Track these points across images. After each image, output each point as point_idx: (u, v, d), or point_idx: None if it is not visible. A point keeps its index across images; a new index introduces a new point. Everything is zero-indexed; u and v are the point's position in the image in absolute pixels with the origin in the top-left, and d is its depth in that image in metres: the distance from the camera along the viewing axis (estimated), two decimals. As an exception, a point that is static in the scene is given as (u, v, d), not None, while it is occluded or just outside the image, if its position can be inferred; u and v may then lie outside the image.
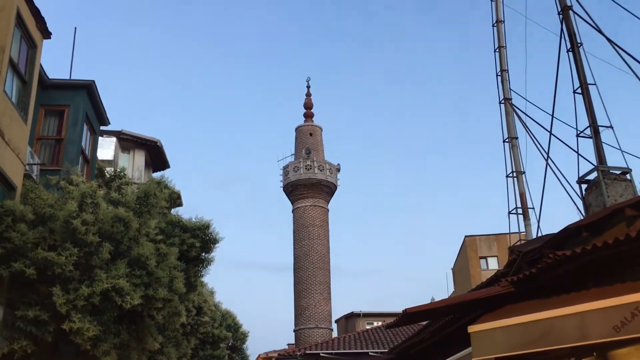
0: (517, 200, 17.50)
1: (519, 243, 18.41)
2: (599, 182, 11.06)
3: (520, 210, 17.34)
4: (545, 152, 14.33)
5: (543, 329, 5.58)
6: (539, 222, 16.69)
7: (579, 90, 12.62)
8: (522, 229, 17.24)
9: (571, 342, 5.33)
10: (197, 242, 14.24)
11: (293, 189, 38.65)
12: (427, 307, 6.86)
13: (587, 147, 12.39)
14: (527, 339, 5.77)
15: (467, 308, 7.20)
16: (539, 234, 14.92)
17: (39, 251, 9.22)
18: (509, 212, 17.70)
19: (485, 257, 43.74)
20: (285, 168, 40.32)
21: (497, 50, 16.85)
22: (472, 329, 6.25)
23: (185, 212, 14.54)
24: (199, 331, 22.08)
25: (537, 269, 6.00)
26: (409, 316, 6.66)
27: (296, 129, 42.44)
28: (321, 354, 24.13)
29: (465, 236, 44.56)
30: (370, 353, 22.84)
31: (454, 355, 8.06)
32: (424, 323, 12.93)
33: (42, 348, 9.67)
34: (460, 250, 45.54)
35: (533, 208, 17.62)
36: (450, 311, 7.52)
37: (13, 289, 9.68)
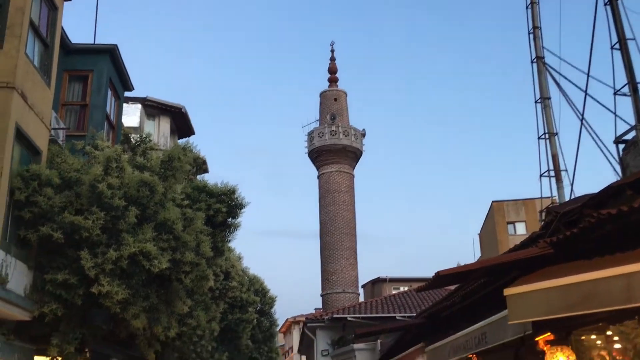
0: (549, 162, 17.02)
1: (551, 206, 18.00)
2: (639, 141, 10.61)
3: (552, 173, 16.90)
4: (579, 112, 13.83)
5: (586, 291, 5.32)
6: (572, 184, 16.20)
7: (617, 46, 12.05)
8: (555, 192, 16.83)
9: (616, 305, 5.07)
10: (223, 207, 14.20)
11: (318, 155, 38.41)
12: (459, 269, 6.63)
13: (624, 106, 11.92)
14: (568, 301, 5.52)
15: (502, 270, 6.95)
16: (572, 197, 14.51)
17: (65, 215, 9.20)
18: (541, 175, 17.26)
19: (513, 223, 43.24)
20: (310, 134, 40.02)
21: (530, 6, 16.19)
22: (508, 291, 6.02)
23: (211, 179, 14.61)
24: (227, 295, 22.30)
25: (579, 229, 5.71)
26: (441, 279, 6.44)
27: (320, 95, 41.94)
28: (348, 318, 24.18)
29: (493, 201, 44.02)
30: (397, 317, 22.79)
31: (486, 319, 7.84)
32: (453, 288, 12.74)
33: (72, 311, 9.73)
34: (487, 215, 45.06)
35: (566, 170, 17.10)
36: (484, 274, 7.28)
37: (42, 253, 9.72)
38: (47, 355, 9.94)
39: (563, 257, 6.39)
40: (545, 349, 7.53)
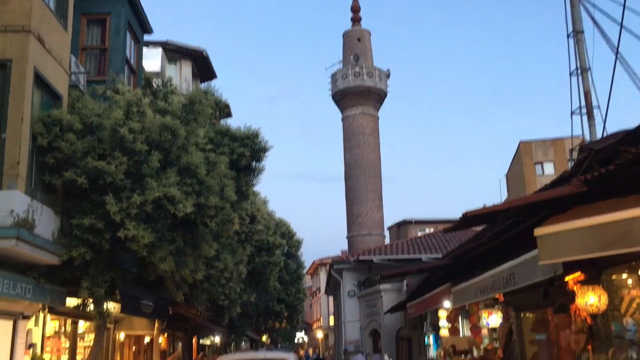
0: (581, 99, 16.43)
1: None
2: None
3: (584, 111, 16.34)
4: (614, 46, 13.18)
5: (621, 230, 5.11)
6: (604, 122, 15.65)
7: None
8: (586, 130, 16.32)
9: (654, 244, 4.85)
10: (247, 151, 14.13)
11: (342, 97, 37.85)
12: (488, 210, 6.44)
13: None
14: (602, 240, 5.32)
15: (532, 210, 6.73)
16: (604, 135, 14.04)
17: (89, 160, 9.18)
18: (572, 113, 16.70)
19: (540, 163, 42.56)
20: (333, 76, 39.34)
21: None
22: (539, 231, 5.82)
23: (234, 124, 14.50)
24: (253, 238, 22.56)
25: (615, 166, 5.43)
26: (469, 219, 6.26)
27: (343, 35, 40.94)
28: (374, 260, 24.37)
29: (521, 141, 43.26)
30: (423, 258, 22.86)
31: (515, 260, 7.69)
32: (480, 229, 12.57)
33: (100, 255, 9.86)
34: (514, 156, 44.39)
35: (598, 107, 16.48)
36: (513, 214, 7.07)
37: (67, 199, 9.79)
38: (78, 298, 10.15)
39: (597, 195, 6.14)
40: (575, 288, 7.40)
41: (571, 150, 19.04)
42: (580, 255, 5.54)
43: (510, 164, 45.10)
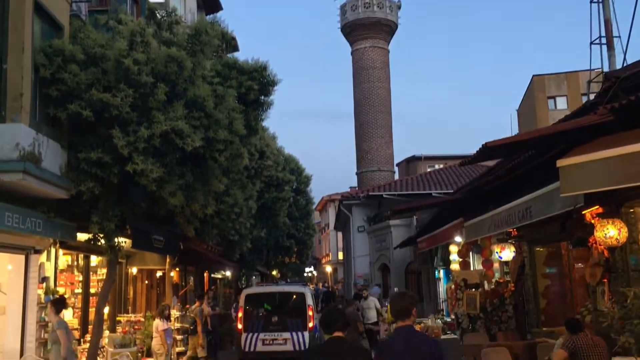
0: (601, 29, 15.80)
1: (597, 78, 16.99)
2: None
3: (604, 40, 15.75)
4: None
5: (651, 160, 4.87)
6: (625, 52, 15.11)
7: None
8: (606, 60, 15.78)
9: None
10: (255, 85, 13.78)
11: (351, 30, 36.82)
12: (509, 140, 6.19)
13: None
14: (629, 172, 5.09)
15: (554, 141, 6.48)
16: (624, 65, 13.57)
17: (93, 92, 8.92)
18: (591, 43, 16.11)
19: (553, 97, 41.84)
20: (342, 7, 38.15)
21: None
22: (562, 162, 5.59)
23: (241, 58, 14.01)
24: (263, 174, 22.47)
25: (647, 93, 5.14)
26: (489, 150, 6.03)
27: (353, -36, 39.46)
28: (384, 195, 24.32)
29: (533, 75, 42.37)
30: (433, 194, 22.77)
31: (532, 193, 7.50)
32: (492, 165, 12.35)
33: (109, 190, 9.75)
34: (527, 90, 43.58)
35: (619, 37, 15.86)
36: (535, 144, 6.82)
37: (73, 132, 9.60)
38: (88, 232, 10.13)
39: (623, 125, 5.87)
40: (594, 221, 7.24)
41: (589, 82, 18.51)
42: (604, 187, 5.33)
43: (523, 98, 44.33)
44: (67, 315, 11.53)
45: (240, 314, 14.48)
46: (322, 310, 14.35)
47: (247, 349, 13.90)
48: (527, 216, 7.65)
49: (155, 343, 12.06)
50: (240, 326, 14.31)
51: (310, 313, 14.15)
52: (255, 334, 13.91)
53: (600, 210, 7.18)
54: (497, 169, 9.99)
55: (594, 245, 7.42)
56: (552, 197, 6.67)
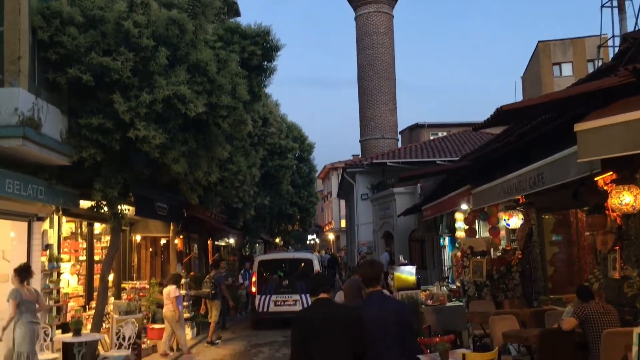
0: (612, -9, 15.44)
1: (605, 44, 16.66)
2: None
3: (615, 3, 15.37)
4: None
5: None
6: (638, 15, 14.78)
7: None
8: (617, 24, 15.43)
9: None
10: (258, 50, 13.51)
11: (355, -5, 36.06)
12: (525, 103, 5.99)
13: None
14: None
15: (571, 104, 6.26)
16: (636, 29, 13.25)
17: (93, 56, 8.68)
18: (602, 6, 15.75)
19: (559, 64, 41.33)
20: (346, -29, 37.26)
21: None
22: (579, 126, 5.39)
23: (243, 23, 13.69)
24: (266, 142, 22.29)
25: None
26: (504, 114, 5.83)
27: None
28: (388, 163, 24.16)
29: (539, 42, 41.74)
30: (437, 161, 22.60)
31: (545, 159, 7.31)
32: (499, 132, 12.13)
33: (111, 156, 9.59)
34: (532, 57, 43.01)
35: (631, 0, 15.52)
36: (551, 108, 6.60)
37: (73, 97, 9.39)
38: (91, 200, 10.01)
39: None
40: (607, 188, 7.08)
41: (599, 47, 18.22)
42: (624, 152, 5.14)
43: (528, 65, 43.77)
44: (72, 282, 11.53)
45: (254, 278, 16.26)
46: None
47: (260, 310, 15.73)
48: (538, 183, 7.47)
49: (167, 310, 12.23)
50: (254, 289, 16.18)
51: None
52: (268, 296, 15.66)
53: (615, 176, 7.02)
54: (506, 136, 9.78)
55: (606, 212, 7.28)
56: (566, 163, 6.48)
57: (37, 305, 8.44)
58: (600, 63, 16.54)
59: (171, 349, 12.63)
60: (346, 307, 5.69)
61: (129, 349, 9.89)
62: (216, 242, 25.60)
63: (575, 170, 6.36)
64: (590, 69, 35.33)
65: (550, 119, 7.56)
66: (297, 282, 15.55)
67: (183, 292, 13.89)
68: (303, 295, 15.14)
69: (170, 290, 12.24)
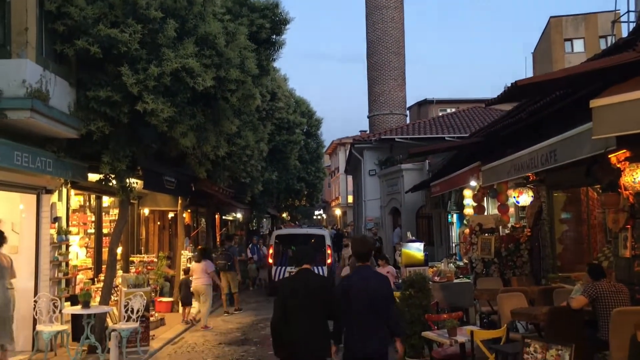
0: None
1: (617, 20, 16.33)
2: None
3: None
4: None
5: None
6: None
7: None
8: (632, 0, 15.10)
9: None
10: (267, 23, 13.38)
11: (365, -32, 35.47)
12: (541, 78, 5.86)
13: None
14: (669, 112, 4.80)
15: (588, 80, 6.13)
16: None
17: (100, 28, 8.56)
18: (618, -19, 15.40)
19: (570, 40, 40.77)
20: (355, -56, 36.58)
21: None
22: (595, 102, 5.28)
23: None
24: (274, 116, 22.19)
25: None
26: (519, 89, 5.71)
27: None
28: (396, 139, 24.02)
29: (551, 17, 41.15)
30: (446, 138, 22.44)
31: (557, 136, 7.21)
32: (510, 108, 11.98)
33: (120, 130, 9.53)
34: (543, 32, 42.44)
35: (648, -27, 15.18)
36: (568, 83, 6.47)
37: (81, 70, 9.30)
38: (100, 173, 9.99)
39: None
40: (620, 165, 6.99)
41: (613, 22, 17.88)
42: (640, 129, 5.04)
43: (539, 41, 43.21)
44: (81, 254, 11.60)
45: (271, 251, 17.69)
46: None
47: (276, 279, 16.93)
48: (551, 160, 7.38)
49: (201, 283, 12.67)
50: (271, 260, 17.60)
51: (328, 252, 17.22)
52: (283, 267, 16.98)
53: (628, 154, 6.91)
54: (518, 112, 9.65)
55: (619, 190, 7.19)
56: (580, 139, 6.39)
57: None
58: (613, 39, 16.27)
59: (187, 322, 12.92)
60: (321, 276, 7.29)
61: (137, 321, 9.96)
62: (224, 217, 25.68)
63: (589, 147, 6.26)
64: (603, 46, 34.83)
65: (564, 95, 7.44)
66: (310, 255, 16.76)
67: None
68: (315, 267, 15.68)
69: (206, 265, 12.86)
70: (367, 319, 5.35)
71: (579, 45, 40.77)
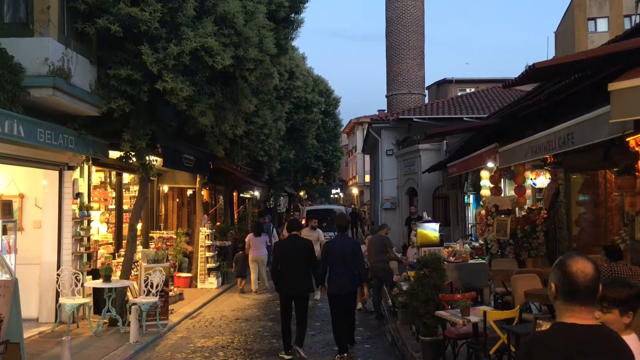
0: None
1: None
2: None
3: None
4: None
5: None
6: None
7: None
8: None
9: None
10: (286, 1, 13.35)
11: (385, -55, 34.99)
12: (560, 60, 5.83)
13: None
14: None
15: (608, 62, 6.08)
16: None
17: (121, 6, 8.65)
18: (644, -41, 15.09)
19: (594, 19, 39.97)
20: None
21: None
22: (614, 86, 5.25)
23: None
24: (292, 95, 22.23)
25: None
26: (537, 72, 5.68)
27: None
28: (414, 119, 23.90)
29: (574, -5, 40.29)
30: (464, 118, 22.28)
31: (575, 118, 7.17)
32: (529, 89, 11.88)
33: (140, 108, 9.67)
34: (566, 11, 41.65)
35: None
36: (588, 65, 6.41)
37: (102, 48, 9.43)
38: (120, 150, 10.15)
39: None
40: (638, 149, 6.94)
41: (637, 2, 17.54)
42: (660, 113, 5.01)
43: (562, 20, 42.44)
44: (102, 230, 11.84)
45: (303, 222, 20.44)
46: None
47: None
48: (568, 142, 7.34)
49: (263, 254, 14.61)
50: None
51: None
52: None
53: (646, 137, 6.87)
54: (537, 94, 9.58)
55: (636, 173, 7.16)
56: (598, 122, 6.35)
57: None
58: (637, 19, 15.96)
59: (242, 291, 14.61)
60: (304, 239, 9.07)
61: (156, 295, 10.19)
62: (241, 195, 25.90)
63: (607, 130, 6.23)
64: (627, 25, 34.12)
65: (583, 77, 7.38)
66: (332, 224, 18.05)
67: (207, 242, 14.99)
68: (333, 233, 17.88)
69: (265, 238, 14.93)
70: (341, 268, 8.13)
71: (602, 25, 39.95)
